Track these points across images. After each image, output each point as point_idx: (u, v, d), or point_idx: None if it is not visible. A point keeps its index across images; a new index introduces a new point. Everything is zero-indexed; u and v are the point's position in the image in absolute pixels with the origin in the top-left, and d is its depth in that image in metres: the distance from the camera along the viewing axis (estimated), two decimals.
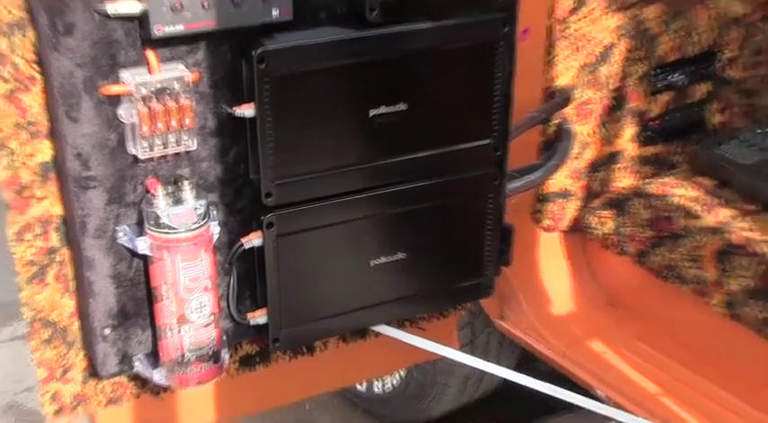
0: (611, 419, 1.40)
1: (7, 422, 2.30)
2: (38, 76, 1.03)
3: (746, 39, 1.76)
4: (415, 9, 1.15)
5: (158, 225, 1.09)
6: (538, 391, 1.37)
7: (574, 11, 1.51)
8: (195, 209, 1.11)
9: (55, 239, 1.11)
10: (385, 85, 1.17)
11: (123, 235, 1.12)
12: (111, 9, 1.00)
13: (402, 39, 1.16)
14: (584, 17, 1.54)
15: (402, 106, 1.17)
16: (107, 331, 1.15)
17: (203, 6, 1.02)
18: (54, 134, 1.05)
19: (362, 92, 1.16)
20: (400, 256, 1.29)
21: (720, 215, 1.58)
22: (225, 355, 1.22)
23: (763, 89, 1.92)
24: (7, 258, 1.12)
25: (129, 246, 1.12)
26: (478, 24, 1.21)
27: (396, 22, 1.14)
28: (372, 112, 1.16)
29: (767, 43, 1.92)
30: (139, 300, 1.16)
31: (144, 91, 1.05)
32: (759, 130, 1.72)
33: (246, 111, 1.09)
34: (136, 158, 1.09)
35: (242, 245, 1.19)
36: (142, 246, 1.10)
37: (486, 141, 1.27)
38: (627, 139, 1.69)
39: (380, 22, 1.11)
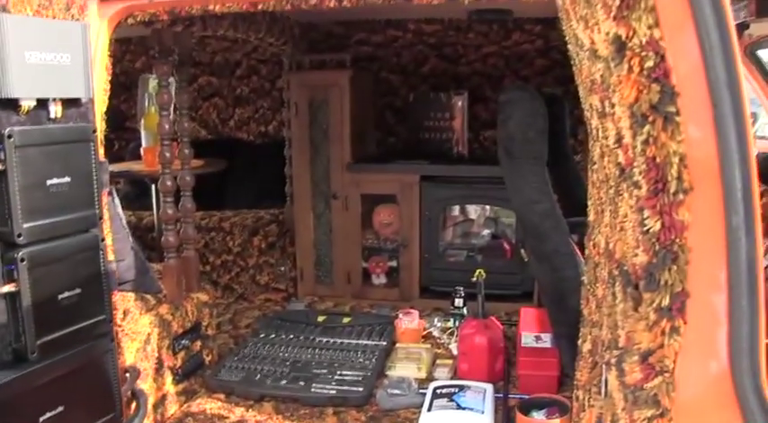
0: None
1: None
2: None
3: (216, 315, 2.08)
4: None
5: None
6: None
7: (123, 318, 1.62)
8: None
9: None
10: (50, 393, 1.23)
11: None
12: None
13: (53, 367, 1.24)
14: (131, 321, 1.65)
15: (61, 408, 1.23)
16: None
17: None
18: None
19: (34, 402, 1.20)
20: None
21: (240, 411, 1.79)
22: None
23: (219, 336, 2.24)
24: None
25: None
26: (91, 350, 1.35)
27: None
28: (42, 418, 1.20)
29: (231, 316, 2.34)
30: None
31: None
32: (234, 358, 2.06)
33: None
34: None
35: None
36: None
37: (112, 415, 1.37)
38: (168, 384, 1.81)
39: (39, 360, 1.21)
